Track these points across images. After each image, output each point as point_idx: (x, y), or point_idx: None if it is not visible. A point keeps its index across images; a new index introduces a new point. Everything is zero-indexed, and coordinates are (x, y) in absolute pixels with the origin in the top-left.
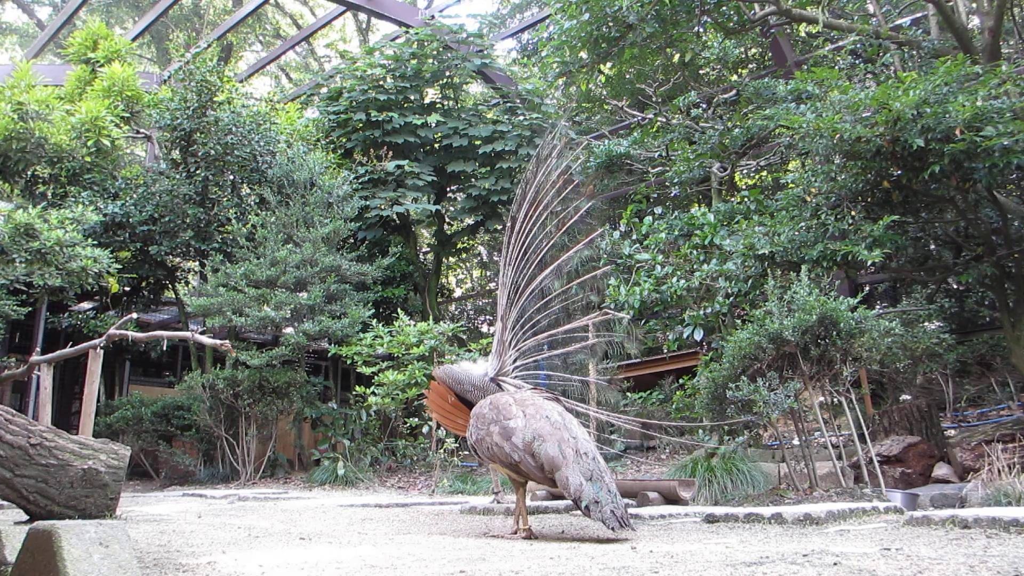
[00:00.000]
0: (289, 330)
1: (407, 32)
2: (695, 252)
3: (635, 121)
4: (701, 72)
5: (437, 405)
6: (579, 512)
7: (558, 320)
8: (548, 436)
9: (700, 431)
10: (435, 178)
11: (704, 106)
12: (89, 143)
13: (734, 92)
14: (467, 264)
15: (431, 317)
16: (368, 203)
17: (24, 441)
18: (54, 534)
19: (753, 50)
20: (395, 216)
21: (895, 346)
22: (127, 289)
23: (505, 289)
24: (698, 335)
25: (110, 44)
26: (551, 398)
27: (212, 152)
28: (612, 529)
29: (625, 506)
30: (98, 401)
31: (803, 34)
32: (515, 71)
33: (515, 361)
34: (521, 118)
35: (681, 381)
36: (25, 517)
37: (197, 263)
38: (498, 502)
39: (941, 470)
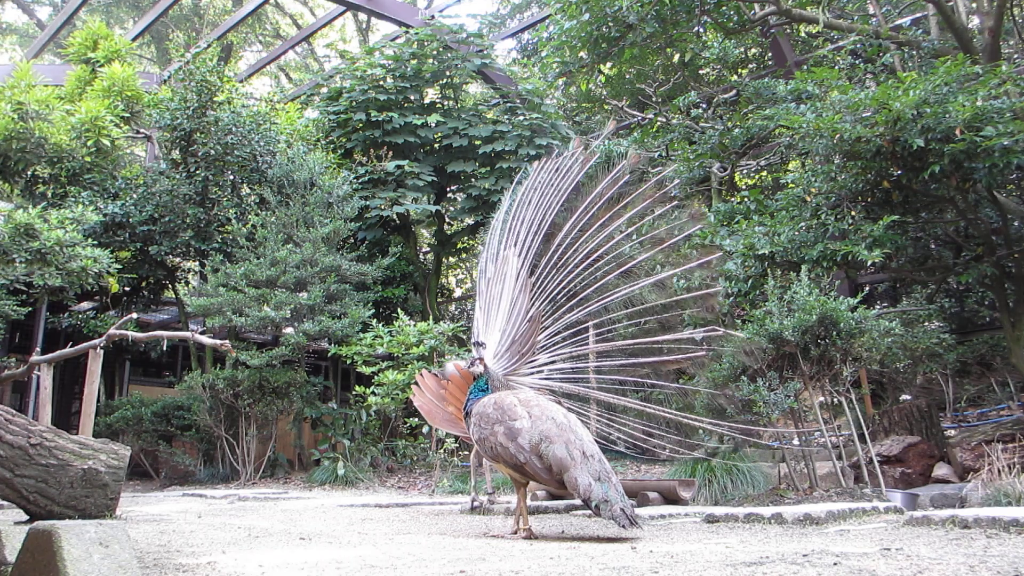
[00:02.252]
0: (289, 330)
1: (407, 32)
2: (695, 252)
3: (635, 121)
4: (701, 72)
5: (455, 398)
6: (580, 512)
7: (653, 330)
8: (555, 437)
9: (700, 431)
10: (435, 178)
11: (704, 106)
12: (89, 143)
13: (734, 92)
14: (467, 264)
15: (431, 317)
16: (368, 203)
17: (24, 441)
18: (54, 534)
19: (753, 50)
20: (395, 216)
21: (895, 346)
22: (127, 289)
23: (542, 293)
24: (698, 335)
25: (110, 44)
26: (553, 399)
27: (212, 152)
28: (623, 527)
29: (632, 505)
30: (98, 401)
31: (803, 34)
32: (515, 71)
33: (548, 363)
34: (521, 118)
35: (681, 381)
36: (25, 517)
37: (197, 263)
38: (491, 502)
39: (941, 470)
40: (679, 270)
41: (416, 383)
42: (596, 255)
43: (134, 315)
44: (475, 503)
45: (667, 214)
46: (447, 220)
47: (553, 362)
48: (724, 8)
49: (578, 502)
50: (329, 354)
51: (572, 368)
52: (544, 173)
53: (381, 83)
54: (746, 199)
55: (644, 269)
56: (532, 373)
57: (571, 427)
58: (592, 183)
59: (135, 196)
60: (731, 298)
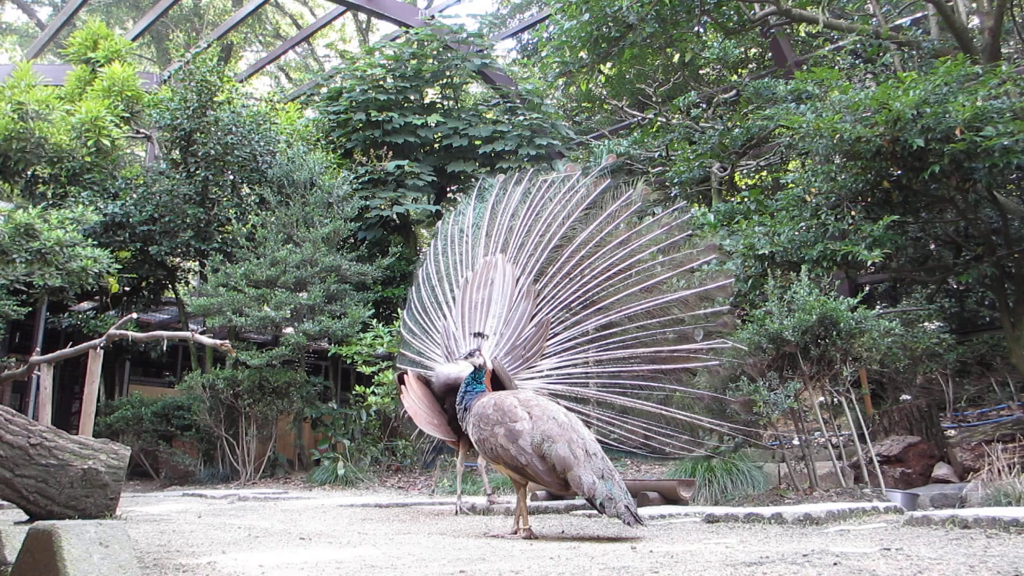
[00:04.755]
0: (289, 330)
1: (407, 32)
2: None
3: (635, 121)
4: (701, 72)
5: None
6: (580, 512)
7: (671, 340)
8: (557, 437)
9: (699, 431)
10: (435, 178)
11: (704, 106)
12: (89, 143)
13: (734, 92)
14: None
15: None
16: (368, 203)
17: (24, 441)
18: (54, 534)
19: (753, 50)
20: (395, 216)
21: (895, 346)
22: (127, 289)
23: (553, 301)
24: (698, 335)
25: (110, 44)
26: (551, 399)
27: (212, 152)
28: (628, 524)
29: (636, 504)
30: (98, 401)
31: (803, 34)
32: (515, 71)
33: (556, 368)
34: (521, 118)
35: (685, 383)
36: (25, 517)
37: (197, 263)
38: (491, 502)
39: (941, 470)
40: (700, 289)
41: (403, 383)
42: (617, 269)
43: (134, 315)
44: (461, 508)
45: (683, 241)
46: None
47: (561, 367)
48: (724, 8)
49: (578, 502)
50: (329, 354)
51: (583, 373)
52: (539, 190)
53: (381, 83)
54: (746, 199)
55: (666, 286)
56: (533, 378)
57: (573, 426)
58: (602, 206)
59: (135, 196)
60: (731, 298)
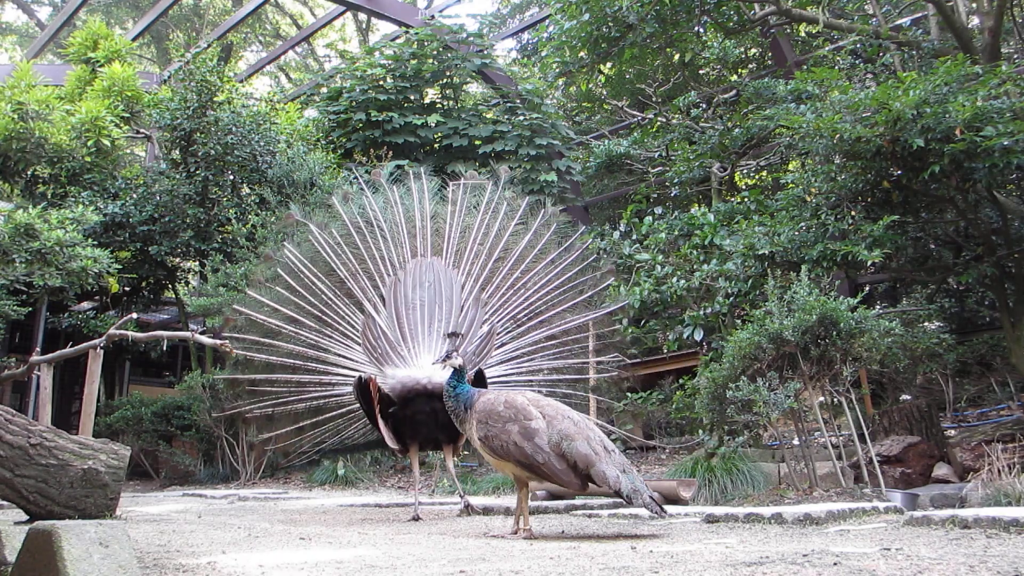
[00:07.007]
0: None
1: (407, 32)
2: (695, 252)
3: (635, 121)
4: (701, 72)
5: None
6: (580, 512)
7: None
8: (575, 435)
9: (700, 431)
10: (435, 178)
11: (704, 106)
12: (89, 143)
13: (734, 92)
14: None
15: None
16: None
17: (24, 441)
18: (54, 534)
19: (753, 50)
20: None
21: (895, 346)
22: (127, 289)
23: (500, 312)
24: (698, 335)
25: (110, 44)
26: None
27: (212, 152)
28: (656, 514)
29: None
30: (98, 401)
31: (803, 34)
32: (515, 71)
33: (503, 376)
34: (521, 118)
35: (681, 381)
36: (25, 517)
37: (197, 263)
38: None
39: (941, 470)
40: (604, 312)
41: (361, 389)
42: (553, 285)
43: (134, 315)
44: (465, 505)
45: (592, 264)
46: None
47: (508, 375)
48: (724, 8)
49: (578, 502)
50: None
51: (527, 381)
52: (454, 193)
53: (381, 83)
54: (746, 199)
55: (588, 304)
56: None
57: (587, 424)
58: (526, 223)
59: (135, 196)
60: (731, 298)
